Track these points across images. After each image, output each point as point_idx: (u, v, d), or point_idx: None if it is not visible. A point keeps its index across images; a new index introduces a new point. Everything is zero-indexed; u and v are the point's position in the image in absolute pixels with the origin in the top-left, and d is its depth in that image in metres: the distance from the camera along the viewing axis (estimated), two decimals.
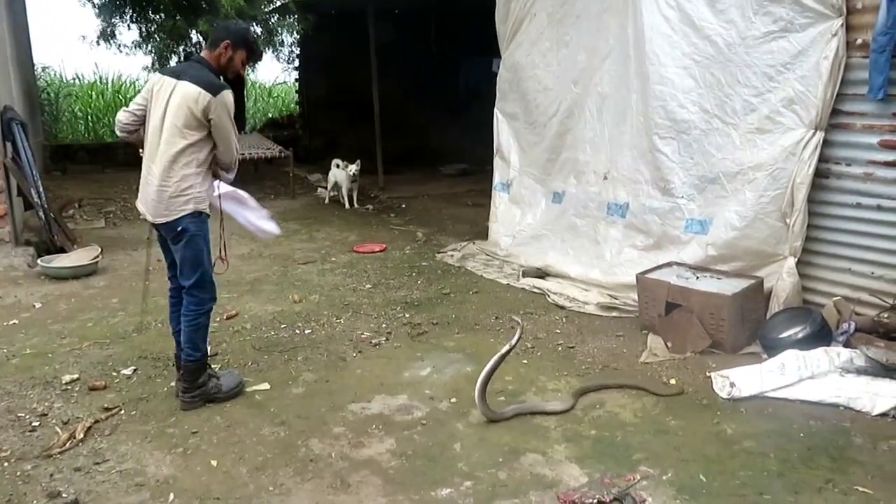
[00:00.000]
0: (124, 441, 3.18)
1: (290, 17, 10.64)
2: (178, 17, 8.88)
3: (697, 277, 4.45)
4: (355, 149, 9.23)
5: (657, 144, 4.93)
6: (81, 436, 3.18)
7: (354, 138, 10.74)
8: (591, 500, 2.67)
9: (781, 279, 4.28)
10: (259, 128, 13.75)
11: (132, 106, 3.50)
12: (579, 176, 5.71)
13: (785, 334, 3.98)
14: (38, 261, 5.83)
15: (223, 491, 2.80)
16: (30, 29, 10.49)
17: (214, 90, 3.24)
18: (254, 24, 9.42)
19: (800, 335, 3.89)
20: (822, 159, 4.17)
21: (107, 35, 9.94)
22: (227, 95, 3.30)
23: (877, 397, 3.34)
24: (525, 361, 4.04)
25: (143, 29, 9.97)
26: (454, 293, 5.31)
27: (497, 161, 6.61)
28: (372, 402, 3.55)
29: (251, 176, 10.08)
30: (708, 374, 3.78)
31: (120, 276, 5.79)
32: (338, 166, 8.69)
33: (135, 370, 3.93)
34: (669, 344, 4.17)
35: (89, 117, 14.68)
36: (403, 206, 8.74)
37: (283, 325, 4.64)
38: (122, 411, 3.45)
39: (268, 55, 11.89)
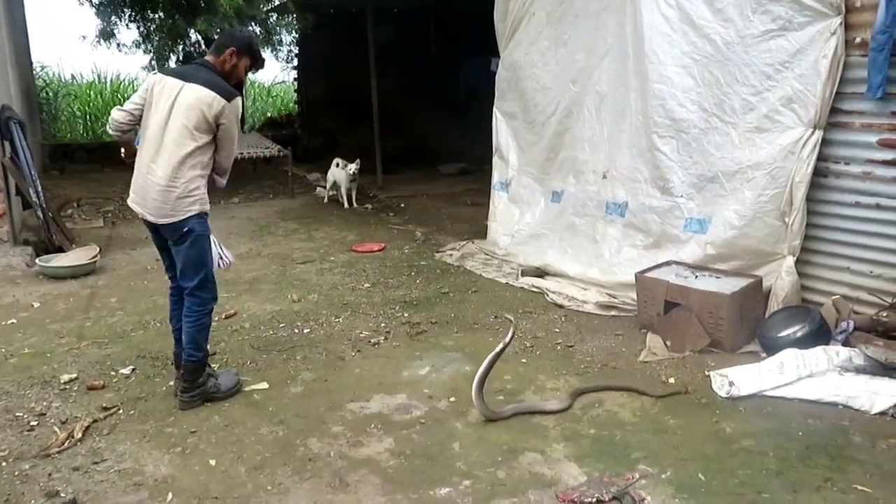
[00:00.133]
0: (122, 440, 3.17)
1: (288, 17, 10.65)
2: (176, 17, 8.87)
3: (696, 276, 4.45)
4: (354, 148, 9.22)
5: (656, 143, 4.93)
6: (80, 435, 3.17)
7: (353, 138, 10.73)
8: (589, 499, 2.67)
9: (780, 278, 4.28)
10: (258, 127, 13.75)
11: (128, 105, 3.46)
12: (578, 175, 5.71)
13: (784, 333, 3.98)
14: (37, 260, 5.82)
15: (221, 490, 2.80)
16: (28, 28, 10.48)
17: (229, 96, 3.28)
18: (252, 23, 9.41)
19: (799, 334, 3.89)
20: (821, 158, 4.17)
21: (106, 34, 9.93)
22: (239, 102, 3.36)
23: (875, 396, 3.34)
24: (524, 360, 4.04)
25: (142, 28, 9.96)
26: (453, 292, 5.31)
27: (496, 160, 6.61)
28: (370, 402, 3.54)
29: (250, 175, 10.09)
30: (707, 372, 3.78)
31: (118, 275, 5.78)
32: (337, 165, 8.69)
33: (133, 370, 3.92)
34: (668, 343, 4.17)
35: (88, 117, 14.68)
36: (402, 205, 8.74)
37: (281, 325, 4.64)
38: (121, 411, 3.45)
39: (267, 54, 11.87)
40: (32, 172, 6.25)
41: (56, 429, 3.26)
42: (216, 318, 4.52)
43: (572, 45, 5.64)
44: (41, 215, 6.17)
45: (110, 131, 3.53)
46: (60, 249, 6.10)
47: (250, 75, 3.55)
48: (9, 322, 4.69)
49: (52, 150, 11.29)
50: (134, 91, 16.29)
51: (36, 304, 5.04)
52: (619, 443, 3.12)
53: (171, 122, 3.27)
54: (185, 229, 3.33)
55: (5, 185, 6.09)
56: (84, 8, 9.97)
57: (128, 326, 4.60)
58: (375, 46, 9.30)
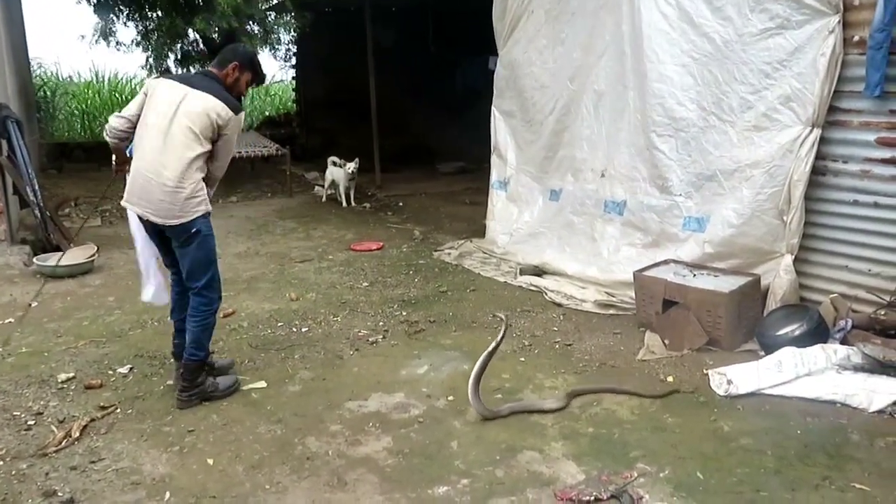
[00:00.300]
0: (120, 440, 3.17)
1: (287, 16, 10.63)
2: (175, 16, 8.85)
3: (695, 275, 4.45)
4: (353, 147, 9.22)
5: (655, 142, 4.93)
6: (77, 434, 3.17)
7: (352, 137, 10.73)
8: (588, 498, 2.67)
9: (778, 276, 4.28)
10: (256, 126, 13.73)
11: (126, 112, 3.47)
12: (576, 173, 5.70)
13: (782, 331, 3.98)
14: (34, 259, 5.82)
15: (219, 489, 2.79)
16: (25, 26, 10.46)
17: (236, 110, 3.39)
18: (251, 21, 9.39)
19: (797, 332, 3.89)
20: (819, 156, 4.17)
21: (105, 33, 9.92)
22: (243, 117, 3.47)
23: (873, 394, 3.34)
24: (522, 359, 4.04)
25: (141, 27, 9.95)
26: (451, 291, 5.31)
27: (494, 159, 6.61)
28: (369, 400, 3.54)
29: (248, 174, 10.09)
30: (705, 371, 3.78)
31: (116, 274, 5.77)
32: (335, 164, 8.69)
33: (131, 368, 3.92)
34: (667, 341, 4.17)
35: (85, 115, 14.67)
36: (401, 204, 8.73)
37: (279, 324, 4.63)
38: (118, 410, 3.44)
39: (265, 53, 11.87)
40: (30, 171, 6.24)
41: (53, 428, 3.26)
42: None
43: (570, 44, 5.64)
44: (39, 214, 6.16)
45: (107, 138, 3.55)
46: (58, 248, 6.09)
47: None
48: (6, 321, 4.68)
49: (50, 149, 11.27)
50: (132, 89, 16.21)
51: (33, 304, 5.03)
52: (618, 441, 3.12)
53: (176, 126, 3.28)
54: (194, 230, 3.36)
55: (3, 184, 6.08)
56: (82, 6, 9.96)
57: (125, 325, 4.59)
58: (374, 45, 9.29)
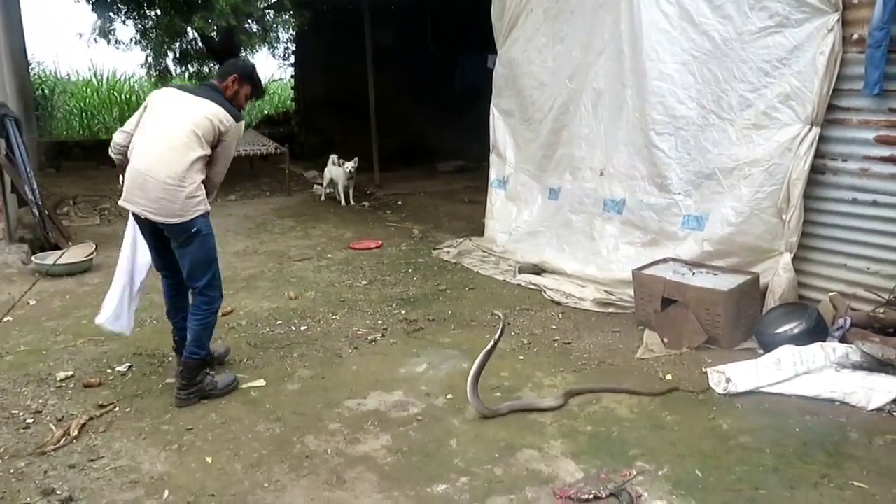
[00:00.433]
0: (119, 438, 3.16)
1: (285, 14, 10.61)
2: (173, 14, 8.85)
3: (693, 273, 4.45)
4: (351, 146, 9.22)
5: (654, 140, 4.93)
6: (76, 433, 3.16)
7: (351, 135, 10.74)
8: (587, 496, 2.67)
9: (777, 275, 4.28)
10: (255, 124, 13.71)
11: (128, 126, 3.51)
12: (575, 172, 5.70)
13: (781, 330, 3.98)
14: (33, 258, 5.81)
15: (218, 488, 2.79)
16: (24, 25, 10.44)
17: (236, 117, 3.46)
18: (249, 20, 9.39)
19: (796, 331, 3.89)
20: (818, 155, 4.17)
21: (104, 31, 9.91)
22: (242, 126, 3.57)
23: (872, 392, 3.34)
24: (521, 357, 4.04)
25: (139, 25, 9.94)
26: (450, 290, 5.30)
27: (493, 158, 6.61)
28: (368, 399, 3.54)
29: (247, 173, 10.08)
30: (704, 369, 3.78)
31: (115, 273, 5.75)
32: (334, 163, 8.68)
33: (129, 367, 3.91)
34: (665, 340, 4.17)
35: (84, 114, 14.66)
36: (400, 202, 8.73)
37: (278, 322, 4.63)
38: (117, 408, 3.44)
39: (264, 52, 11.87)
40: (28, 170, 6.24)
41: (52, 426, 3.25)
42: None
43: (569, 42, 5.63)
44: (37, 213, 6.16)
45: (112, 155, 3.60)
46: (56, 247, 6.08)
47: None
48: (5, 319, 4.67)
49: (48, 147, 11.26)
50: (130, 88, 16.14)
51: (32, 302, 5.03)
52: (617, 439, 3.12)
53: (180, 127, 3.31)
54: (194, 230, 3.37)
55: (1, 183, 6.07)
56: (80, 5, 9.97)
57: None
58: (373, 44, 9.28)
